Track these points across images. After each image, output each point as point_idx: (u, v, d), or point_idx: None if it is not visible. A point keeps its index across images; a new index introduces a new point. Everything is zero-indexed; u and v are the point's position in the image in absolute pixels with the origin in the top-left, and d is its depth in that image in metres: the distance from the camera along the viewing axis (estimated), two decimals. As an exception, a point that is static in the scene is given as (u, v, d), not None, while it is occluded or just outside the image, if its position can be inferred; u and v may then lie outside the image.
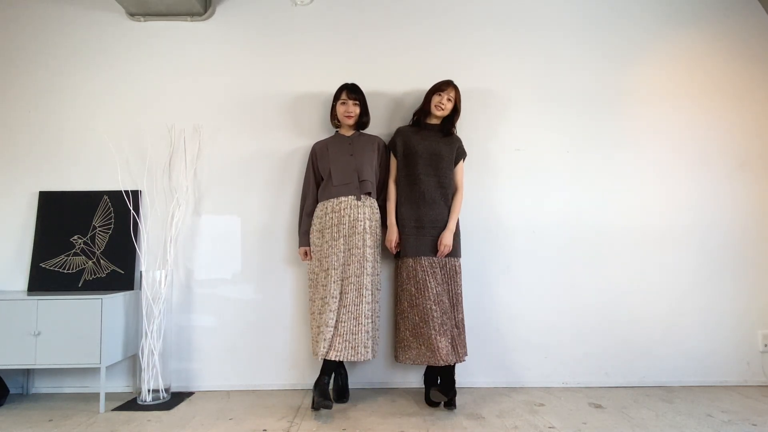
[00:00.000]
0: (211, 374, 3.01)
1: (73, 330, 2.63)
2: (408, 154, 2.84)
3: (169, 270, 2.91)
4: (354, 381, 2.95)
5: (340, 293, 2.68)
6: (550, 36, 3.23)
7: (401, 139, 2.89)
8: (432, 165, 2.81)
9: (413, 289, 2.71)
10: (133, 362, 3.01)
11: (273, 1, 3.23)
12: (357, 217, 2.74)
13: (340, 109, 2.89)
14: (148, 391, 2.76)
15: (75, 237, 3.02)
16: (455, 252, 2.79)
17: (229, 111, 3.15)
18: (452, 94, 2.85)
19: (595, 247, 3.13)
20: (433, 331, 2.61)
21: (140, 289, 2.85)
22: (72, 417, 2.58)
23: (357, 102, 2.88)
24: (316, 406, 2.53)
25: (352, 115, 2.87)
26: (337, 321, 2.64)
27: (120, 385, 3.00)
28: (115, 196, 3.05)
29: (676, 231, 3.15)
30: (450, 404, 2.59)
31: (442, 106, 2.84)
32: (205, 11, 3.17)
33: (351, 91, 2.88)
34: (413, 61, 3.16)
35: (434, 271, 2.72)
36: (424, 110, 2.91)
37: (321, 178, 2.89)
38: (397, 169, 2.89)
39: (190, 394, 2.93)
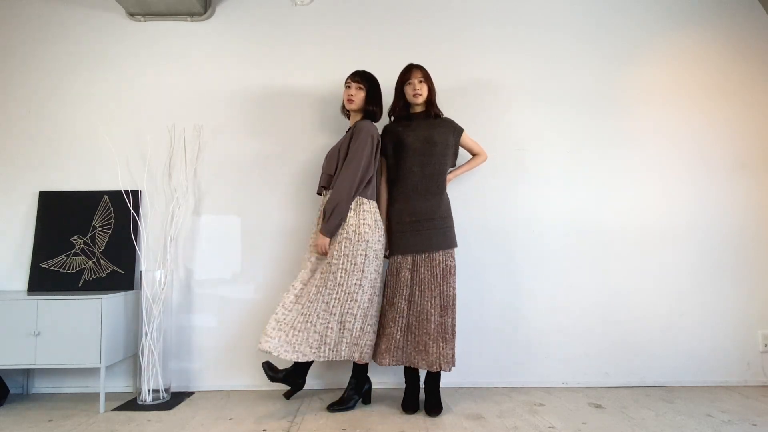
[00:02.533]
0: (211, 374, 3.01)
1: (73, 330, 2.63)
2: (399, 149, 2.71)
3: (169, 270, 2.91)
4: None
5: (310, 292, 2.54)
6: (551, 35, 3.23)
7: (390, 137, 2.74)
8: (425, 154, 2.66)
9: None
10: (133, 362, 3.01)
11: (273, 1, 3.23)
12: (320, 215, 2.66)
13: (344, 94, 2.71)
14: (148, 391, 2.76)
15: (75, 237, 3.02)
16: (446, 242, 2.65)
17: (229, 111, 3.15)
18: (421, 75, 2.71)
19: (595, 247, 3.13)
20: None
21: (140, 289, 2.85)
22: (72, 417, 2.58)
23: (361, 87, 2.68)
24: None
25: (353, 99, 2.67)
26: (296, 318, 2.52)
27: (120, 385, 3.00)
28: (115, 196, 3.05)
29: (676, 231, 3.15)
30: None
31: (419, 92, 2.69)
32: (205, 11, 3.17)
33: (356, 74, 2.71)
34: (414, 61, 3.15)
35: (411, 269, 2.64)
36: (399, 105, 2.77)
37: None
38: (387, 168, 2.78)
39: (190, 394, 2.93)
